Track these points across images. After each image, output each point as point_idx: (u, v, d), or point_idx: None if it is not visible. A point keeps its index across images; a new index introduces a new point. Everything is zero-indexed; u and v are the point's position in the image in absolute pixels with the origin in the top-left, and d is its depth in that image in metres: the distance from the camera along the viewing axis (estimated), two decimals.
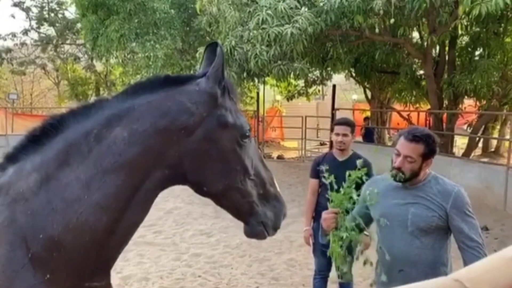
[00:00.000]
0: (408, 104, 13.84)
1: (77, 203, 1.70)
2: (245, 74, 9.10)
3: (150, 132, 1.76)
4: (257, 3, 8.27)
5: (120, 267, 5.50)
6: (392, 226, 2.52)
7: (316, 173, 4.11)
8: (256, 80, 12.78)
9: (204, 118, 1.82)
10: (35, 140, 1.83)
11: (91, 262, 1.75)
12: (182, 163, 1.82)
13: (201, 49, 8.87)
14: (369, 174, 2.75)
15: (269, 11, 7.63)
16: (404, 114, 13.53)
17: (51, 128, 1.82)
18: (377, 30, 8.06)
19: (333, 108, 14.23)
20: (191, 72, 11.81)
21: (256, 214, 2.00)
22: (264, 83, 17.33)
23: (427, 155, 2.45)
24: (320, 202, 4.04)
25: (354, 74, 14.84)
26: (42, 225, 1.68)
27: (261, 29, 7.50)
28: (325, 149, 18.83)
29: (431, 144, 2.45)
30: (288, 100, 19.77)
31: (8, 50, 23.26)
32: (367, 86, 15.78)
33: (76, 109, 1.86)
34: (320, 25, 8.04)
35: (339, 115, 14.92)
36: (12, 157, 1.86)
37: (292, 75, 8.94)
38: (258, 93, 16.70)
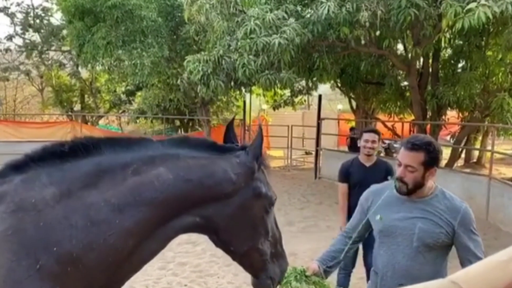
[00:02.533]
0: (392, 115, 14.02)
1: (105, 225, 1.74)
2: (232, 83, 9.14)
3: (195, 184, 1.95)
4: (245, 13, 8.35)
5: None
6: (396, 240, 2.47)
7: (345, 178, 4.66)
8: (243, 89, 12.84)
9: (242, 187, 2.06)
10: (60, 155, 1.84)
11: (104, 280, 1.78)
12: (215, 219, 2.03)
13: (188, 57, 8.92)
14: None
15: (257, 21, 7.70)
16: (389, 124, 13.71)
17: (82, 149, 1.85)
18: (363, 42, 8.19)
19: (318, 118, 14.36)
20: (178, 80, 11.82)
21: (267, 270, 2.23)
22: (251, 92, 17.41)
23: (429, 164, 2.38)
24: (349, 204, 4.47)
25: (339, 85, 15.01)
26: (56, 238, 1.68)
27: (249, 39, 7.57)
28: (311, 159, 18.94)
29: (432, 151, 2.37)
30: (274, 109, 19.88)
31: None
32: (352, 96, 15.96)
33: (116, 139, 1.96)
34: (307, 36, 8.14)
35: (324, 124, 15.07)
36: (18, 166, 1.84)
37: (279, 85, 9.01)
38: (244, 102, 16.75)
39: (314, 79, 12.07)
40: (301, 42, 7.95)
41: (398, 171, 2.43)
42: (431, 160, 2.38)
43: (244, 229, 2.07)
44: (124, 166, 1.83)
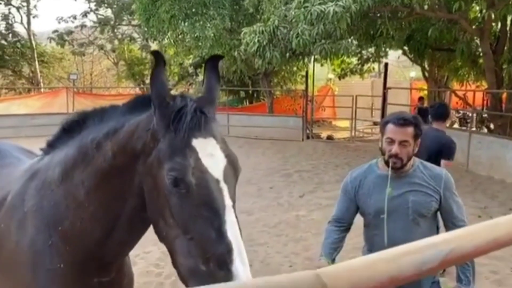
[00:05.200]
0: (466, 83, 13.14)
1: (82, 208, 1.79)
2: (288, 54, 9.00)
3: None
4: None
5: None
6: (391, 218, 2.53)
7: None
8: (304, 59, 12.61)
9: (143, 153, 1.76)
10: (67, 132, 1.94)
11: (93, 261, 1.84)
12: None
13: (245, 29, 8.88)
14: None
15: None
16: (460, 93, 12.88)
17: (77, 125, 1.91)
18: (426, 7, 7.66)
19: (384, 87, 13.82)
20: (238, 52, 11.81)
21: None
22: (315, 61, 17.06)
23: (417, 136, 2.54)
24: None
25: (407, 52, 14.27)
26: (61, 217, 1.82)
27: (303, 8, 7.36)
28: (378, 129, 18.32)
29: (418, 125, 2.55)
30: (340, 78, 19.38)
31: (69, 32, 24.41)
32: (423, 64, 15.12)
33: (93, 112, 1.91)
34: (367, 2, 7.77)
35: (393, 94, 14.47)
36: (51, 145, 1.99)
37: (340, 54, 8.73)
38: (307, 72, 16.47)
39: (384, 45, 11.57)
40: (359, 9, 7.60)
41: (391, 148, 2.50)
42: (419, 132, 2.55)
43: (151, 206, 1.65)
44: (92, 140, 1.80)
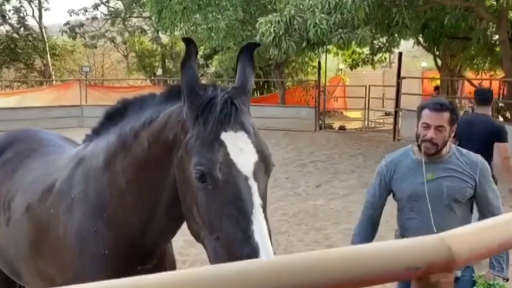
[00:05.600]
0: (480, 72, 13.01)
1: (123, 197, 1.81)
2: (304, 44, 8.97)
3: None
4: None
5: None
6: (425, 202, 2.56)
7: None
8: (318, 49, 12.55)
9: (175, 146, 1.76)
10: (110, 119, 1.96)
11: (136, 249, 1.86)
12: None
13: (260, 19, 8.86)
14: None
15: None
16: (476, 82, 12.76)
17: (119, 113, 1.92)
18: None
19: (398, 77, 13.72)
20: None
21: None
22: (327, 52, 16.97)
23: (453, 122, 2.56)
24: None
25: (422, 41, 14.14)
26: (105, 205, 1.85)
27: None
28: (390, 120, 18.25)
29: (454, 110, 2.59)
30: (351, 68, 19.26)
31: (81, 25, 24.51)
32: (437, 53, 14.98)
33: (137, 98, 1.92)
34: None
35: (405, 84, 14.38)
36: (96, 132, 2.02)
37: (354, 43, 8.69)
38: (319, 62, 16.40)
39: (395, 35, 11.51)
40: None
41: (426, 133, 2.52)
42: (456, 118, 2.58)
43: (182, 201, 1.63)
44: (131, 130, 1.80)
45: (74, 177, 1.96)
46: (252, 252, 1.36)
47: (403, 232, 2.74)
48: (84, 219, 1.87)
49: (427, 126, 2.53)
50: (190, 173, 1.49)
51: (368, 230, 2.83)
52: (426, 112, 2.56)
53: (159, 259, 1.97)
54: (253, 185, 1.44)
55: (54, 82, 23.72)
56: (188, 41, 1.59)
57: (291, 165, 10.45)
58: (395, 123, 14.05)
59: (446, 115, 2.53)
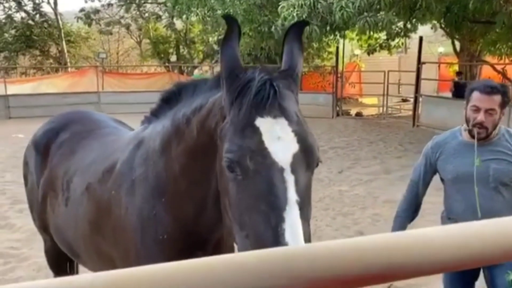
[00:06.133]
0: (503, 57, 12.75)
1: (178, 183, 1.76)
2: (327, 28, 8.85)
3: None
4: None
5: None
6: (471, 184, 2.54)
7: None
8: (338, 34, 12.38)
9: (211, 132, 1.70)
10: (166, 102, 1.91)
11: (192, 236, 1.81)
12: None
13: (282, 3, 8.73)
14: None
15: None
16: (499, 67, 12.52)
17: (174, 97, 1.88)
18: None
19: (419, 62, 13.53)
20: (272, 28, 11.67)
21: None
22: (344, 37, 16.77)
23: (504, 105, 2.51)
24: None
25: (443, 25, 13.87)
26: (163, 189, 1.80)
27: None
28: (407, 106, 18.06)
29: (506, 93, 2.52)
30: (369, 54, 19.00)
31: (96, 11, 24.47)
32: (457, 37, 14.70)
33: (190, 83, 1.86)
34: None
35: (425, 69, 14.17)
36: (154, 114, 1.98)
37: (377, 27, 8.54)
38: (337, 48, 16.20)
39: (414, 20, 11.31)
40: None
41: (476, 116, 2.49)
42: (506, 101, 2.51)
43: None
44: (183, 115, 1.74)
45: (134, 159, 1.93)
46: None
47: (449, 214, 2.75)
48: (145, 202, 1.84)
49: (477, 109, 2.48)
50: (222, 162, 1.38)
51: (412, 208, 2.85)
52: (476, 94, 2.50)
53: (215, 247, 1.92)
54: (289, 179, 1.27)
55: (69, 69, 23.81)
56: (229, 19, 1.48)
57: None
58: (415, 109, 13.89)
59: (497, 98, 2.48)
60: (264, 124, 1.32)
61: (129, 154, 1.97)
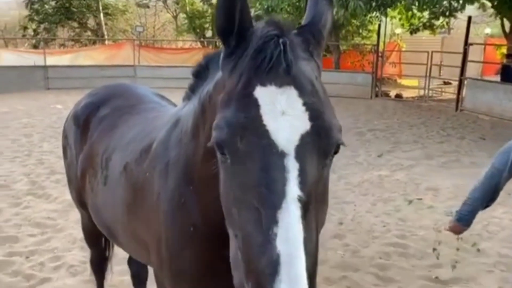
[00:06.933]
0: None
1: (202, 170, 1.48)
2: (373, 4, 8.41)
3: None
4: None
5: None
6: None
7: None
8: (384, 10, 11.80)
9: None
10: (197, 77, 1.67)
11: (221, 231, 1.45)
12: None
13: None
14: None
15: None
16: None
17: (203, 71, 1.63)
18: None
19: (466, 43, 12.83)
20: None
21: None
22: (386, 14, 16.10)
23: None
24: None
25: (495, 3, 13.06)
26: (191, 176, 1.56)
27: None
28: (449, 89, 17.31)
29: None
30: (411, 33, 18.23)
31: None
32: (508, 17, 13.85)
33: (217, 54, 1.53)
34: None
35: (472, 50, 13.45)
36: (192, 89, 1.72)
37: (435, 2, 8.03)
38: (379, 25, 15.57)
39: None
40: None
41: None
42: None
43: None
44: (207, 93, 1.48)
45: (170, 139, 1.71)
46: (269, 265, 0.90)
47: None
48: (175, 189, 1.62)
49: None
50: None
51: (487, 198, 2.67)
52: None
53: None
54: (292, 166, 0.98)
55: (106, 42, 23.99)
56: None
57: (348, 133, 10.05)
58: (459, 92, 13.25)
59: None
60: (264, 94, 1.02)
61: (166, 133, 1.75)
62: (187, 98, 1.77)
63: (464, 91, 13.17)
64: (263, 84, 1.03)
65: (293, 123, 1.00)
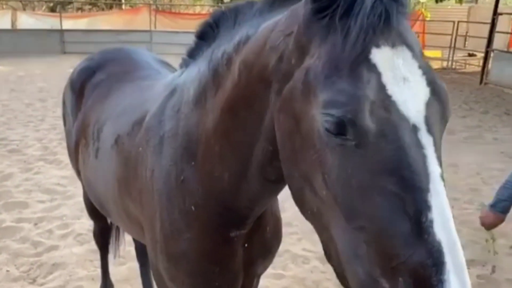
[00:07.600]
0: None
1: (209, 145, 1.37)
2: None
3: None
4: None
5: None
6: None
7: None
8: None
9: None
10: (202, 39, 1.48)
11: (227, 212, 1.44)
12: None
13: None
14: None
15: None
16: None
17: (211, 30, 1.43)
18: None
19: (495, 13, 12.24)
20: None
21: None
22: None
23: None
24: None
25: None
26: (192, 151, 1.42)
27: None
28: (473, 61, 16.70)
29: None
30: (437, 1, 17.51)
31: None
32: None
33: (231, 9, 1.38)
34: None
35: (501, 20, 12.85)
36: (191, 55, 1.55)
37: None
38: None
39: None
40: None
41: None
42: None
43: (287, 163, 1.17)
44: (222, 55, 1.32)
45: (165, 111, 1.54)
46: (429, 258, 0.79)
47: None
48: (173, 164, 1.47)
49: None
50: (311, 121, 0.92)
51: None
52: None
53: (257, 222, 1.56)
54: (427, 141, 0.86)
55: (123, 6, 23.68)
56: None
57: None
58: (484, 65, 12.75)
59: None
60: (382, 58, 0.87)
61: (160, 104, 1.58)
62: (185, 64, 1.59)
63: (490, 64, 12.67)
64: (379, 46, 0.88)
65: (416, 90, 0.88)
